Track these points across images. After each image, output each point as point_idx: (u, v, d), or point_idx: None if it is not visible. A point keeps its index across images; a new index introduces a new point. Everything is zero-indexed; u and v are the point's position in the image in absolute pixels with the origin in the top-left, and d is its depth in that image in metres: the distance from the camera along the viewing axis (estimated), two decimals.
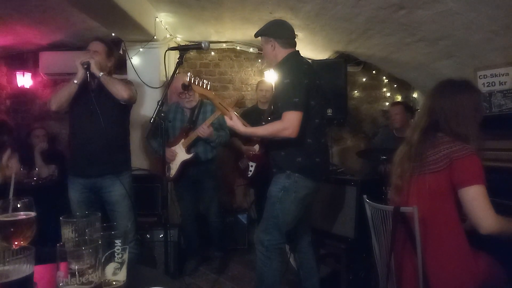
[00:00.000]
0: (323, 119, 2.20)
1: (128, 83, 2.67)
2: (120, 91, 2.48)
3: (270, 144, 2.21)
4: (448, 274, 1.57)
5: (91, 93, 2.44)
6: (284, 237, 2.13)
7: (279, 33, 2.23)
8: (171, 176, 3.19)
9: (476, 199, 1.49)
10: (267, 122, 2.21)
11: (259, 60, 4.52)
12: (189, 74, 2.03)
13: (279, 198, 2.09)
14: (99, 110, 2.44)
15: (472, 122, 1.62)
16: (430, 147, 1.63)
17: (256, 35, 2.30)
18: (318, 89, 2.15)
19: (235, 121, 2.09)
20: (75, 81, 2.45)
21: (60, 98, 2.48)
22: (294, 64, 2.14)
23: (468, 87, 1.69)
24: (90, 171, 2.50)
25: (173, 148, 3.17)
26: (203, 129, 3.00)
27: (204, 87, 2.03)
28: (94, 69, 2.44)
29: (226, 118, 2.12)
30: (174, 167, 3.15)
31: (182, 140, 3.14)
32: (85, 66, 2.43)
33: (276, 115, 2.12)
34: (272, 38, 2.20)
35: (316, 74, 2.19)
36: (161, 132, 2.14)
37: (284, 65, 2.15)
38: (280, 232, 2.11)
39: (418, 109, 3.94)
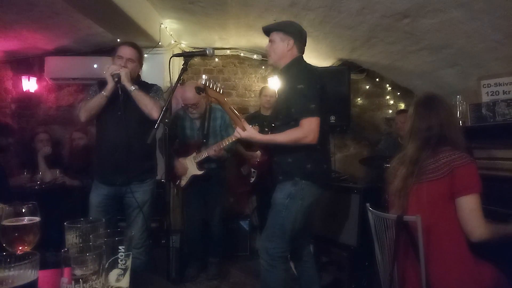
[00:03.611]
0: (328, 125, 2.20)
1: (158, 93, 2.61)
2: (150, 111, 2.41)
3: (276, 150, 2.16)
4: (451, 283, 1.56)
5: (119, 103, 2.39)
6: (289, 245, 2.10)
7: (299, 35, 2.18)
8: (181, 185, 3.20)
9: (473, 209, 1.55)
10: (272, 128, 2.17)
11: (263, 67, 4.54)
12: (204, 76, 1.98)
13: (285, 205, 2.04)
14: (126, 119, 2.39)
15: (461, 130, 1.73)
16: (430, 156, 1.67)
17: (273, 29, 2.19)
18: (327, 95, 2.14)
19: (250, 131, 2.02)
20: (105, 94, 2.39)
21: (89, 110, 2.43)
22: (305, 69, 2.11)
23: (445, 100, 1.78)
24: (115, 180, 2.47)
25: (183, 160, 3.18)
26: (215, 152, 3.00)
27: (218, 90, 1.98)
28: (125, 81, 2.37)
29: (239, 130, 2.04)
30: (185, 178, 3.18)
31: (194, 154, 3.14)
32: (116, 79, 2.36)
33: (283, 121, 2.08)
34: (292, 38, 2.14)
35: (324, 80, 2.17)
36: (165, 138, 2.14)
37: (294, 69, 2.11)
38: (285, 240, 2.06)
39: None
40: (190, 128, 3.28)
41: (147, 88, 2.60)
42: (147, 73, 3.88)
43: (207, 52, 2.11)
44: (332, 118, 3.95)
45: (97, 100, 2.41)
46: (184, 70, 2.12)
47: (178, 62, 4.19)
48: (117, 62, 2.46)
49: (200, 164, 3.12)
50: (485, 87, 2.60)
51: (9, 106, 4.60)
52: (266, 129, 2.24)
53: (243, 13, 3.32)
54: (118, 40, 3.70)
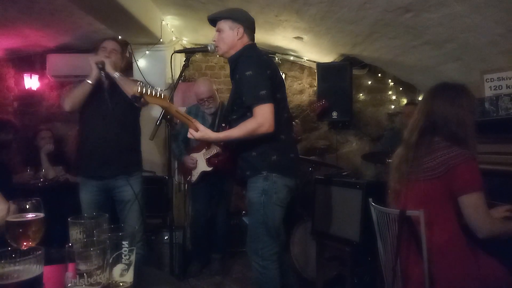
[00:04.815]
0: (289, 113, 2.16)
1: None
2: None
3: (239, 145, 2.06)
4: (453, 277, 1.56)
5: (104, 94, 2.38)
6: (276, 241, 2.04)
7: (249, 22, 2.09)
8: (192, 181, 3.23)
9: (477, 207, 1.52)
10: (229, 122, 2.10)
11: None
12: (139, 83, 1.80)
13: (262, 203, 1.98)
14: (112, 111, 2.39)
15: (470, 124, 1.64)
16: (427, 153, 1.64)
17: (221, 18, 2.07)
18: (281, 82, 2.09)
19: (204, 130, 1.94)
20: (89, 81, 2.40)
21: (74, 98, 2.43)
22: (253, 55, 2.02)
23: (466, 91, 1.72)
24: (103, 173, 2.48)
25: (194, 155, 3.19)
26: (221, 150, 3.00)
27: (158, 96, 1.81)
28: (109, 68, 2.39)
29: (191, 131, 1.95)
30: (195, 174, 3.19)
31: (204, 150, 3.14)
32: (100, 66, 2.38)
33: (239, 113, 2.02)
34: (241, 25, 2.04)
35: (277, 67, 2.09)
36: (169, 135, 2.14)
37: (242, 56, 2.01)
38: (272, 238, 2.02)
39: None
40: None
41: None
42: (149, 69, 3.90)
43: (209, 48, 2.10)
44: (334, 113, 3.96)
45: (82, 88, 2.42)
46: (185, 67, 2.12)
47: (180, 59, 4.19)
48: (101, 54, 2.48)
49: (209, 161, 3.13)
50: (488, 81, 2.59)
51: (11, 104, 4.62)
52: (223, 124, 2.15)
53: (243, 8, 3.29)
54: (120, 37, 3.71)
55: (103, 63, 2.38)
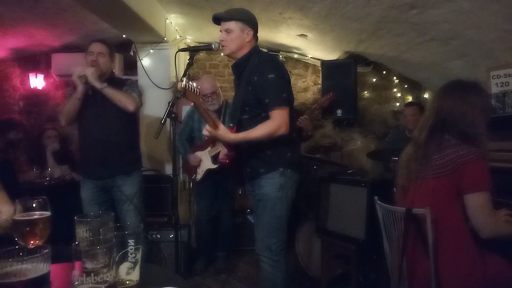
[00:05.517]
0: (294, 113, 2.22)
1: (132, 86, 2.66)
2: (125, 104, 2.49)
3: (252, 144, 2.05)
4: (459, 275, 1.55)
5: (95, 98, 2.46)
6: (286, 235, 2.10)
7: (256, 26, 2.14)
8: (196, 180, 3.24)
9: (480, 206, 1.51)
10: (239, 122, 2.12)
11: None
12: (184, 79, 1.84)
13: (279, 198, 2.04)
14: (104, 113, 2.45)
15: (481, 123, 1.62)
16: (437, 151, 1.62)
17: (232, 19, 2.05)
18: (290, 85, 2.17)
19: (223, 130, 1.96)
20: (77, 97, 2.46)
21: (67, 114, 2.52)
22: (271, 58, 2.09)
23: (478, 89, 1.69)
24: (100, 173, 2.54)
25: (199, 154, 3.19)
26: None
27: (197, 93, 1.86)
28: (93, 81, 2.42)
29: (209, 129, 1.95)
30: (200, 172, 3.21)
31: (209, 148, 3.14)
32: (84, 81, 2.43)
33: (252, 114, 2.05)
34: (251, 29, 2.08)
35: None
36: (174, 133, 2.14)
37: (257, 59, 2.05)
38: (284, 231, 2.08)
39: None
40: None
41: (121, 83, 2.64)
42: (153, 68, 3.90)
43: (213, 46, 2.09)
44: (339, 111, 3.94)
45: (71, 105, 2.49)
46: (190, 65, 2.11)
47: (184, 57, 4.19)
48: (88, 58, 2.52)
49: (214, 158, 3.14)
50: (495, 78, 2.57)
51: (17, 103, 4.65)
52: (231, 124, 2.17)
53: (248, 6, 3.27)
54: (124, 36, 3.72)
55: (85, 77, 2.42)
